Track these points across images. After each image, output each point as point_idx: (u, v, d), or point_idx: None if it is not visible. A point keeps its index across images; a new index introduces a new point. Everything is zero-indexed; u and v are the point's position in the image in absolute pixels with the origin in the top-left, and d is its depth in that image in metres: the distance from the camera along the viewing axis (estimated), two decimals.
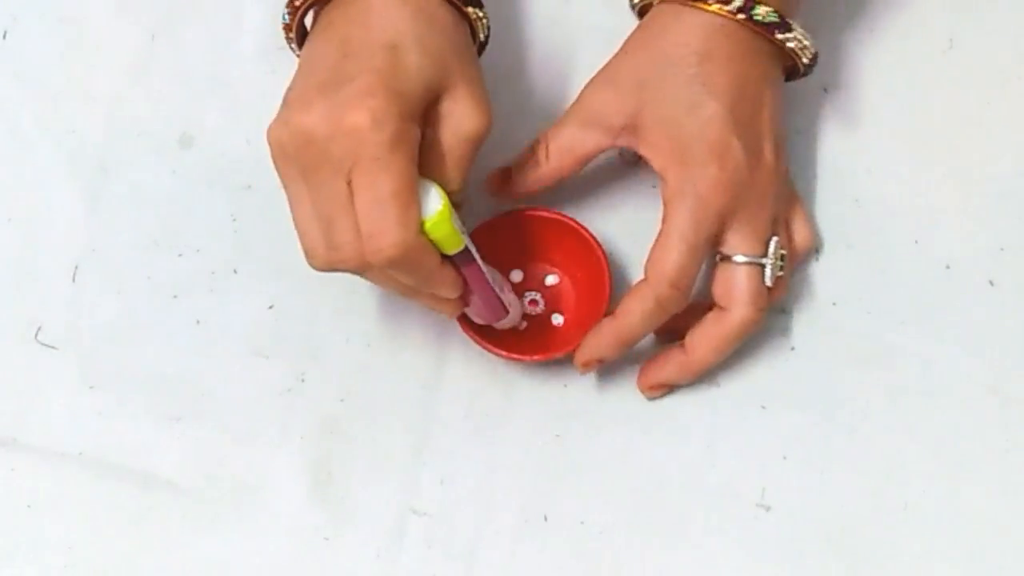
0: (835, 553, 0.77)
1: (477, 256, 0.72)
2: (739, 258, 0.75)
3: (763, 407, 0.79)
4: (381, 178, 0.67)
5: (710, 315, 0.76)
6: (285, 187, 0.71)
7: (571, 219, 0.78)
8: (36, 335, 0.80)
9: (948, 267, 0.81)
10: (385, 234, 0.67)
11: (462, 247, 0.71)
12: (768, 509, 0.78)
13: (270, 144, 0.70)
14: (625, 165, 0.82)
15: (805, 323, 0.80)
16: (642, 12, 0.79)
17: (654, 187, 0.81)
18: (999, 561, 0.77)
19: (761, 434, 0.79)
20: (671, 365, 0.77)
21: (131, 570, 0.77)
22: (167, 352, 0.80)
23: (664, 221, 0.74)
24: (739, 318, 0.75)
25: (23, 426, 0.79)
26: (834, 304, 0.81)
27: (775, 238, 0.76)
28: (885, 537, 0.77)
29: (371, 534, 0.77)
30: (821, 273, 0.81)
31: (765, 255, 0.75)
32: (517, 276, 0.80)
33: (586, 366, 0.77)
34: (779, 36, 0.75)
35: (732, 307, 0.75)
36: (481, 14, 0.74)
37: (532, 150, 0.78)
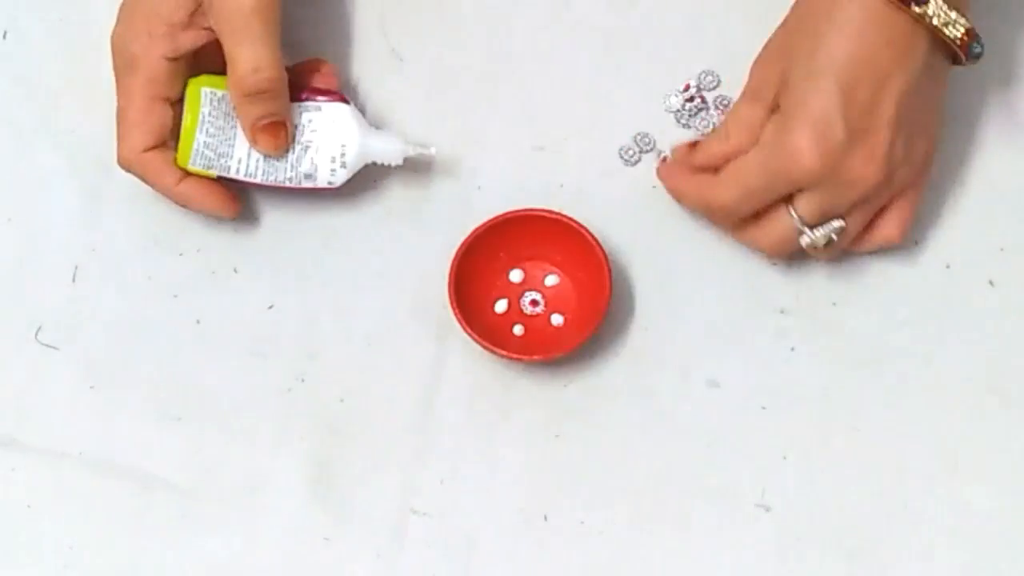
0: (835, 553, 0.77)
1: (251, 170, 0.78)
2: (792, 215, 0.75)
3: (763, 407, 0.79)
4: (118, 96, 0.78)
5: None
6: None
7: (572, 220, 0.78)
8: (36, 335, 0.80)
9: (948, 267, 0.81)
10: (117, 148, 0.78)
11: (210, 175, 0.78)
12: (768, 509, 0.78)
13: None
14: (626, 165, 0.82)
15: (805, 323, 0.80)
16: None
17: (655, 187, 0.81)
18: (999, 561, 0.77)
19: (761, 434, 0.79)
20: (668, 178, 0.80)
21: (131, 570, 0.77)
22: (167, 352, 0.80)
23: (741, 160, 0.75)
24: (756, 243, 0.78)
25: (23, 426, 0.79)
26: (834, 304, 0.81)
27: (838, 222, 0.76)
28: (885, 537, 0.77)
29: (371, 534, 0.77)
30: (821, 273, 0.81)
31: (814, 228, 0.76)
32: (518, 276, 0.80)
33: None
34: (915, 9, 0.73)
35: (759, 231, 0.77)
36: None
37: (718, 129, 0.79)
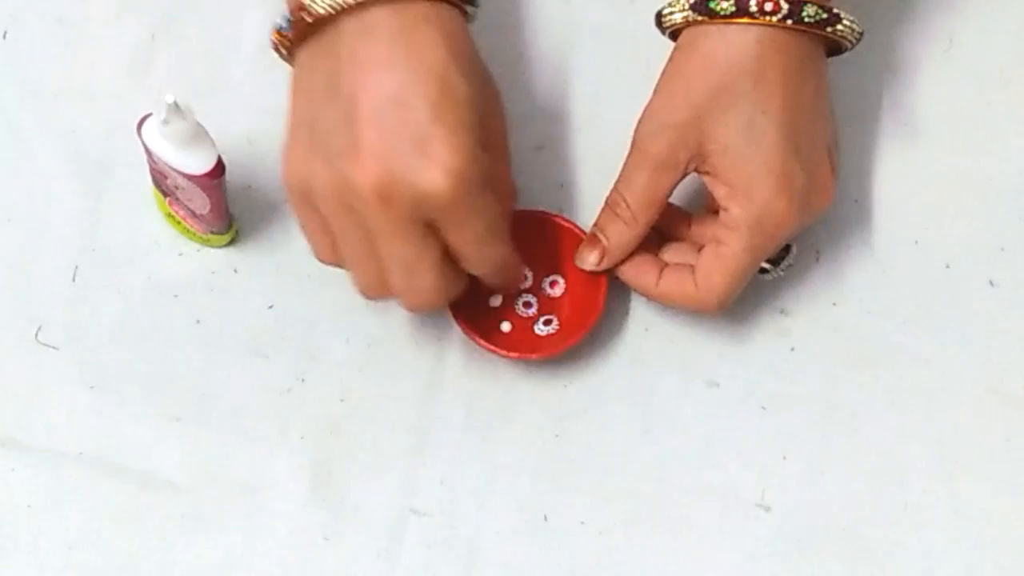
0: (835, 553, 0.77)
1: None
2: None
3: (763, 407, 0.79)
4: (478, 220, 0.70)
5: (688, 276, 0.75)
6: (339, 229, 0.71)
7: (577, 226, 0.78)
8: (36, 335, 0.80)
9: (948, 267, 0.81)
10: (488, 257, 0.72)
11: None
12: (768, 509, 0.78)
13: (304, 191, 0.70)
14: None
15: (805, 323, 0.80)
16: (675, 34, 0.76)
17: None
18: (999, 561, 0.77)
19: (761, 434, 0.79)
20: (642, 283, 0.77)
21: (131, 570, 0.77)
22: (167, 352, 0.80)
23: (724, 246, 0.74)
24: (702, 301, 0.75)
25: (23, 426, 0.79)
26: (834, 304, 0.81)
27: (793, 248, 0.77)
28: (885, 537, 0.77)
29: (371, 534, 0.77)
30: (821, 273, 0.81)
31: (777, 266, 0.77)
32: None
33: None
34: (829, 30, 0.73)
35: (704, 288, 0.75)
36: (476, 7, 0.74)
37: (612, 212, 0.76)
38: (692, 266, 0.76)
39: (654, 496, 0.78)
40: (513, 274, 0.76)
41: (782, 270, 0.77)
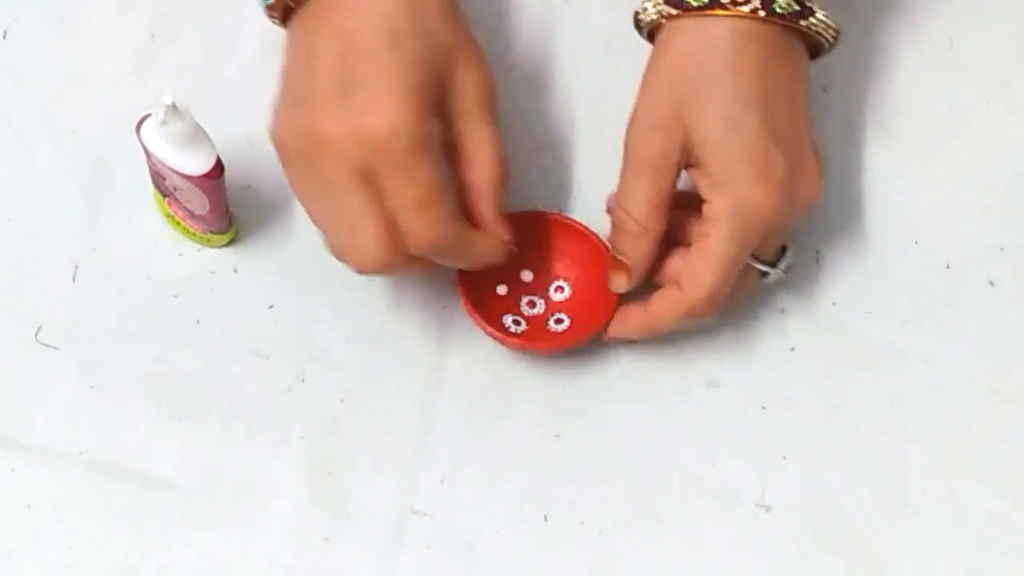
0: (835, 553, 0.77)
1: None
2: (755, 264, 0.75)
3: (763, 407, 0.79)
4: (409, 186, 0.69)
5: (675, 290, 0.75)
6: (294, 186, 0.72)
7: (588, 228, 0.78)
8: (36, 335, 0.80)
9: (948, 267, 0.81)
10: (422, 235, 0.70)
11: None
12: (768, 509, 0.78)
13: (276, 144, 0.71)
14: None
15: (805, 323, 0.80)
16: (651, 33, 0.76)
17: None
18: (999, 561, 0.77)
19: (761, 434, 0.79)
20: (632, 324, 0.76)
21: (131, 570, 0.77)
22: (167, 352, 0.80)
23: (706, 239, 0.73)
24: (692, 301, 0.74)
25: (23, 426, 0.79)
26: (834, 304, 0.81)
27: (790, 251, 0.76)
28: (885, 537, 0.77)
29: (371, 534, 0.77)
30: (821, 273, 0.81)
31: (775, 266, 0.76)
32: (527, 276, 0.80)
33: (612, 341, 0.78)
34: (803, 23, 0.73)
35: (690, 286, 0.74)
36: None
37: (622, 230, 0.75)
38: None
39: (654, 496, 0.78)
40: (464, 257, 0.74)
41: (782, 271, 0.77)
